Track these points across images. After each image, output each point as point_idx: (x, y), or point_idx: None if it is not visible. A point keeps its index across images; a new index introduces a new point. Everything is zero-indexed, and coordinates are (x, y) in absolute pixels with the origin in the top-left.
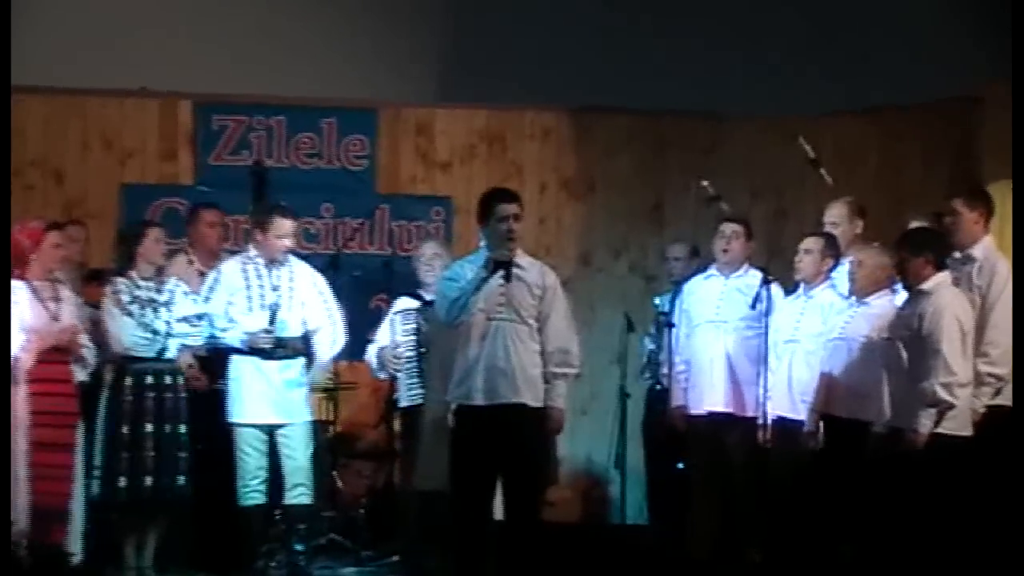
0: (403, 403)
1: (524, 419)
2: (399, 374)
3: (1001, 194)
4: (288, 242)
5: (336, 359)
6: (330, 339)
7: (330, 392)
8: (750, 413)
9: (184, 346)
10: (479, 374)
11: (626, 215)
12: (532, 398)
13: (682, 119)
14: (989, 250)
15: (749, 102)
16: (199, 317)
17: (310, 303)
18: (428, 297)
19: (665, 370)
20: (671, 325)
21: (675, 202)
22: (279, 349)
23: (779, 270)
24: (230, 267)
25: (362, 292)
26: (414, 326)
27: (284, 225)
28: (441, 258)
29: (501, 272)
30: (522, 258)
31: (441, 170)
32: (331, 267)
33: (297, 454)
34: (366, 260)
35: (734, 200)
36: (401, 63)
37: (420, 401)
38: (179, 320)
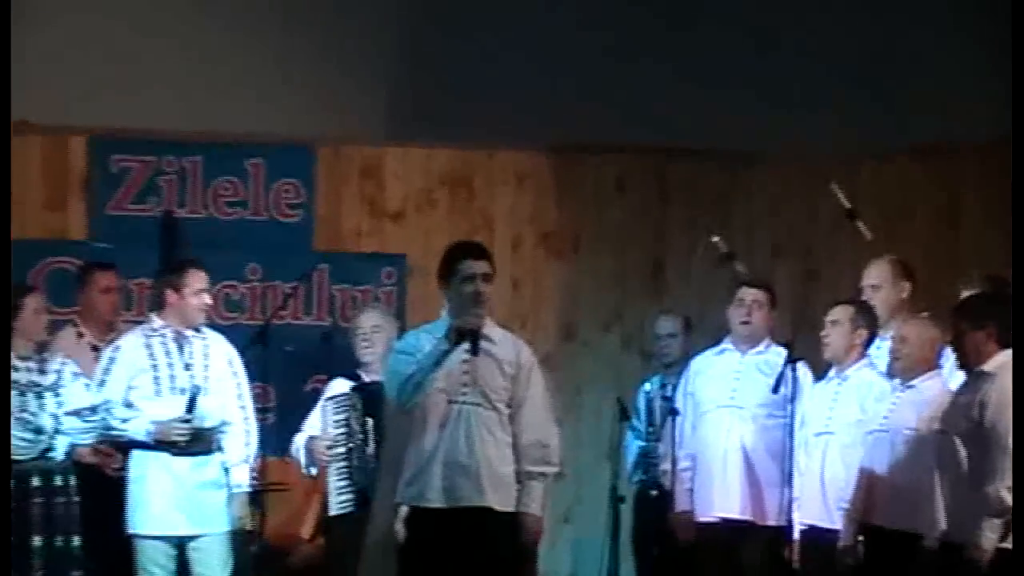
0: (332, 510)
1: (491, 527)
2: (329, 475)
3: None
4: (207, 298)
5: (264, 453)
6: (242, 439)
7: (254, 496)
8: (772, 521)
9: (75, 445)
10: (436, 470)
11: (619, 278)
12: (501, 501)
13: (688, 161)
14: None
15: (770, 140)
16: (92, 410)
17: (223, 389)
18: (367, 378)
19: (666, 467)
20: (674, 412)
21: (679, 263)
22: (195, 442)
23: (808, 346)
24: (131, 342)
25: (296, 372)
26: (345, 415)
27: (200, 278)
28: (383, 331)
29: (466, 344)
30: (492, 329)
31: (393, 221)
32: (258, 342)
33: (213, 572)
34: (301, 333)
35: (752, 260)
36: (345, 92)
37: (351, 508)
38: (68, 414)
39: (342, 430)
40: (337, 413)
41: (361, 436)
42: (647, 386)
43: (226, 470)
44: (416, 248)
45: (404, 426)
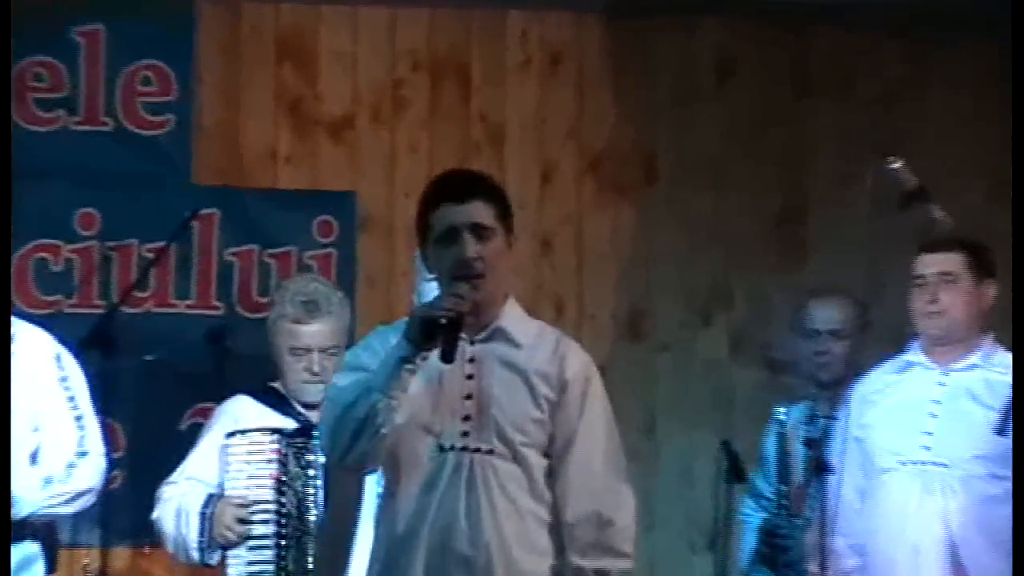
0: None
1: None
2: (233, 568)
3: None
4: None
5: (106, 540)
6: (90, 470)
7: None
8: None
9: None
10: (417, 564)
11: (722, 231)
12: None
13: (839, 25)
14: None
15: None
16: None
17: (43, 407)
18: (311, 416)
19: (813, 569)
20: (824, 469)
21: (824, 206)
22: None
23: None
24: None
25: (165, 397)
26: (269, 465)
27: None
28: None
29: (436, 348)
30: (515, 321)
31: (332, 137)
32: (95, 344)
33: None
34: (173, 328)
35: (954, 200)
36: None
37: None
38: None
39: (266, 495)
40: (252, 462)
41: (298, 500)
42: (781, 418)
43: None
44: (374, 183)
45: (364, 487)
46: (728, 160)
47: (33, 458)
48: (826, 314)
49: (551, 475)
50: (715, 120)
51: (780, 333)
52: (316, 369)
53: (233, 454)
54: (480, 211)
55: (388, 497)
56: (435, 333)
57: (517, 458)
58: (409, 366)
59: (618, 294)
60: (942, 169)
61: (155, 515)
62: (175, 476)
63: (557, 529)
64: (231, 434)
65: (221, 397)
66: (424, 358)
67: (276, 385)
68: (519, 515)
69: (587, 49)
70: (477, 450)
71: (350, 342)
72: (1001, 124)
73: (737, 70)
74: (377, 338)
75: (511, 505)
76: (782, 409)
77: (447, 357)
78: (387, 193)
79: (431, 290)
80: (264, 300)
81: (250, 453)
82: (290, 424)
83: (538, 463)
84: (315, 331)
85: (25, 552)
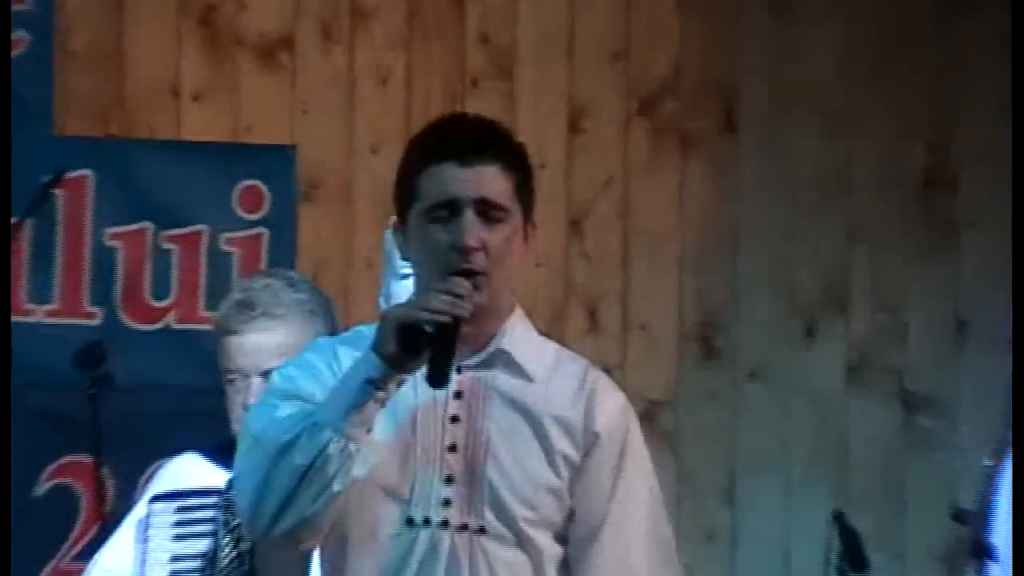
0: None
1: None
2: None
3: None
4: None
5: None
6: None
7: None
8: None
9: None
10: None
11: (845, 205)
12: None
13: None
14: None
15: None
16: None
17: None
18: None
19: None
20: (985, 552)
21: (983, 165)
22: None
23: None
24: None
25: (15, 447)
26: (207, 543)
27: None
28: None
29: (418, 369)
30: (523, 338)
31: (260, 62)
32: None
33: None
34: (27, 344)
35: None
36: None
37: None
38: None
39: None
40: (180, 537)
41: None
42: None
43: None
44: (324, 133)
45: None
46: (845, 98)
47: None
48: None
49: (568, 568)
50: (826, 39)
51: (918, 350)
52: (251, 402)
53: (155, 526)
54: (493, 181)
55: None
56: (419, 346)
57: (520, 542)
58: (380, 393)
59: (681, 295)
60: None
61: None
62: (88, 570)
63: None
64: (154, 499)
65: (98, 448)
66: (400, 382)
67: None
68: None
69: None
70: (463, 527)
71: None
72: None
73: None
74: (318, 354)
75: None
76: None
77: (437, 380)
78: (343, 147)
79: (405, 290)
80: (161, 305)
81: (178, 525)
82: None
83: (550, 551)
84: (250, 346)
85: None
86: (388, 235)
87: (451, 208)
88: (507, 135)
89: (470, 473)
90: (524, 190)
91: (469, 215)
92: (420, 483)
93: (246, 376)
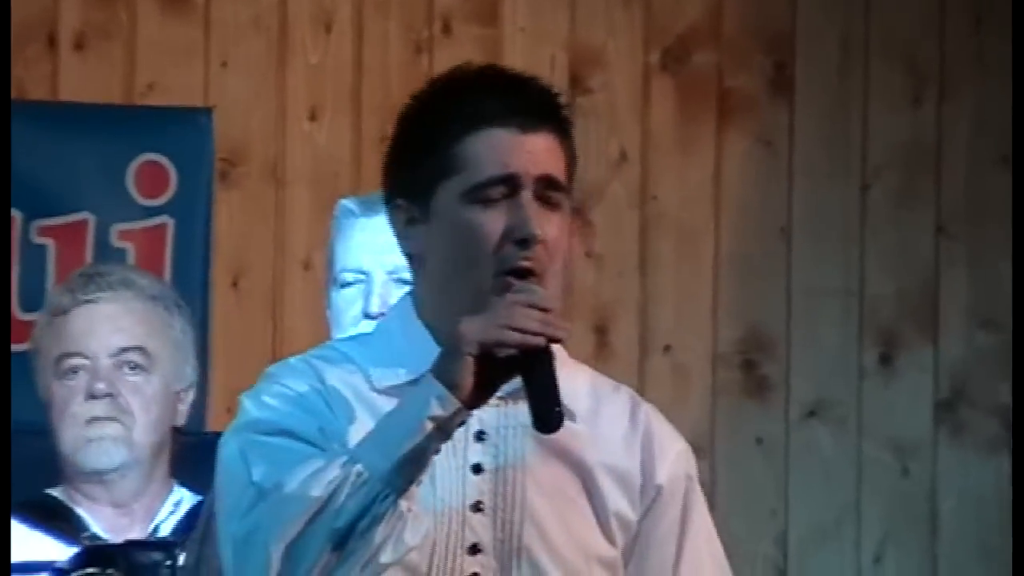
0: None
1: None
2: None
3: None
4: None
5: None
6: None
7: None
8: None
9: None
10: None
11: (936, 186)
12: None
13: None
14: None
15: None
16: None
17: None
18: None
19: None
20: None
21: None
22: None
23: None
24: None
25: None
26: None
27: None
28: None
29: (535, 389)
30: (562, 363)
31: (167, 2)
32: None
33: None
34: None
35: None
36: None
37: None
38: None
39: None
40: None
41: None
42: None
43: None
44: (250, 94)
45: None
46: (937, 53)
47: None
48: None
49: None
50: None
51: None
52: (102, 387)
53: None
54: (554, 154)
55: None
56: (503, 376)
57: None
58: (442, 435)
59: (716, 308)
60: None
61: None
62: None
63: None
64: None
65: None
66: (461, 423)
67: (55, 492)
68: None
69: None
70: None
71: (205, 376)
72: None
73: None
74: (296, 377)
75: None
76: None
77: (547, 422)
78: (272, 112)
79: (349, 302)
80: (33, 318)
81: None
82: (68, 551)
83: None
84: (102, 315)
85: None
86: (335, 226)
87: (507, 186)
88: (557, 94)
89: (502, 543)
90: (575, 169)
91: (528, 196)
92: (438, 555)
93: (93, 358)
